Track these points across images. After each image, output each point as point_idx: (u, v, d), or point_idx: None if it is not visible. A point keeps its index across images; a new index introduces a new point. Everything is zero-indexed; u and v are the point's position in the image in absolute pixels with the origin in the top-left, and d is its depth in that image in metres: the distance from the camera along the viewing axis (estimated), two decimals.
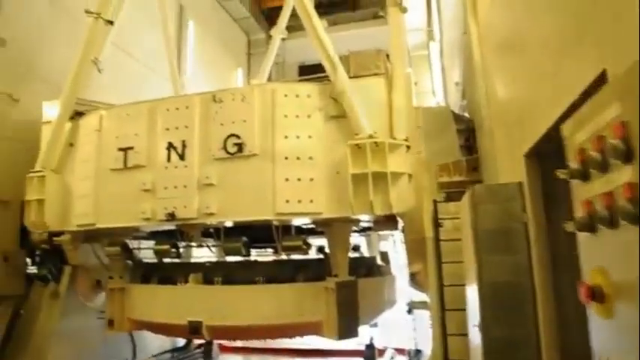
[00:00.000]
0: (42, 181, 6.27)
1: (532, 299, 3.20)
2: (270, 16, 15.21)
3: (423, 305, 6.64)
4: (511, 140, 3.92)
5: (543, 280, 3.16)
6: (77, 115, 6.59)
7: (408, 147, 5.28)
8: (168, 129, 5.78)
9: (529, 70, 3.10)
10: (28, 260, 7.00)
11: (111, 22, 6.56)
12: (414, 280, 6.32)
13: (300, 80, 8.19)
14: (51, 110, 6.62)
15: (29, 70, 7.39)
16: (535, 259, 3.18)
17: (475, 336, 3.64)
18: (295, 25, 10.27)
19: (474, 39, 4.89)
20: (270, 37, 11.83)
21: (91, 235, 6.44)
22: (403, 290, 7.81)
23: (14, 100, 7.03)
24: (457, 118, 7.03)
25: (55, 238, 6.50)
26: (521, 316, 3.27)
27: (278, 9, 11.46)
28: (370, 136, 5.03)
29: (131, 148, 5.90)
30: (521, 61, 3.26)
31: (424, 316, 7.05)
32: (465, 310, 4.38)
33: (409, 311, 7.71)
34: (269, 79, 11.20)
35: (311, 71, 8.06)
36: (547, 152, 3.08)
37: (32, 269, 6.98)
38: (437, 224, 5.36)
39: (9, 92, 6.97)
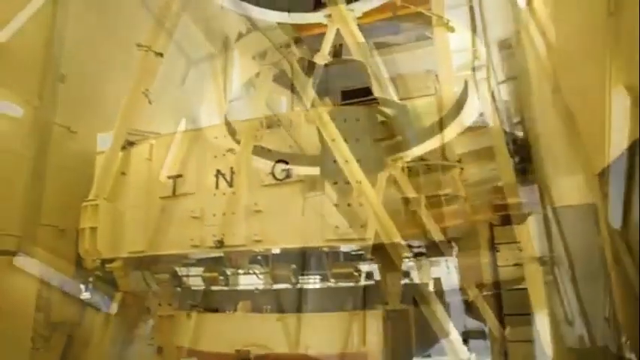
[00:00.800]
0: (95, 210, 6.42)
1: (615, 329, 2.90)
2: (311, 43, 15.38)
3: (480, 335, 6.26)
4: (575, 159, 3.67)
5: (625, 309, 2.86)
6: (129, 144, 6.77)
7: (462, 168, 5.08)
8: (216, 156, 5.84)
9: (598, 86, 2.88)
10: (82, 287, 7.15)
11: (161, 55, 6.75)
12: (471, 308, 5.98)
13: (344, 104, 8.13)
14: (105, 142, 6.83)
15: (86, 103, 7.69)
16: (615, 286, 2.90)
17: None
18: (337, 51, 10.29)
19: (530, 56, 4.69)
20: (312, 63, 11.90)
21: (141, 262, 6.51)
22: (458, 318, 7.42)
23: (72, 132, 7.32)
24: (509, 137, 6.74)
25: (107, 265, 6.61)
26: (601, 349, 2.97)
27: (319, 36, 11.54)
28: (422, 159, 4.88)
29: (180, 176, 5.98)
30: (588, 77, 3.05)
31: (482, 347, 6.65)
32: (531, 341, 4.07)
33: (465, 341, 7.30)
34: (312, 105, 11.21)
35: (353, 95, 7.97)
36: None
37: (85, 295, 7.12)
38: (493, 248, 5.08)
39: (67, 125, 7.28)
